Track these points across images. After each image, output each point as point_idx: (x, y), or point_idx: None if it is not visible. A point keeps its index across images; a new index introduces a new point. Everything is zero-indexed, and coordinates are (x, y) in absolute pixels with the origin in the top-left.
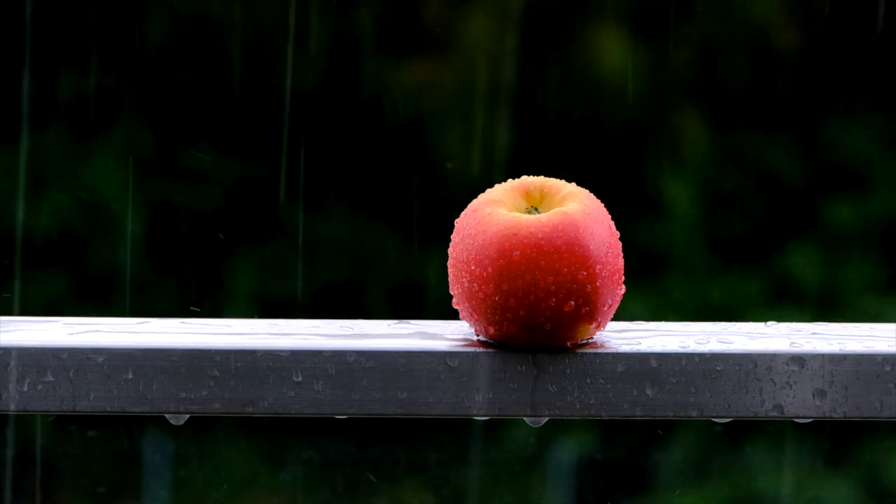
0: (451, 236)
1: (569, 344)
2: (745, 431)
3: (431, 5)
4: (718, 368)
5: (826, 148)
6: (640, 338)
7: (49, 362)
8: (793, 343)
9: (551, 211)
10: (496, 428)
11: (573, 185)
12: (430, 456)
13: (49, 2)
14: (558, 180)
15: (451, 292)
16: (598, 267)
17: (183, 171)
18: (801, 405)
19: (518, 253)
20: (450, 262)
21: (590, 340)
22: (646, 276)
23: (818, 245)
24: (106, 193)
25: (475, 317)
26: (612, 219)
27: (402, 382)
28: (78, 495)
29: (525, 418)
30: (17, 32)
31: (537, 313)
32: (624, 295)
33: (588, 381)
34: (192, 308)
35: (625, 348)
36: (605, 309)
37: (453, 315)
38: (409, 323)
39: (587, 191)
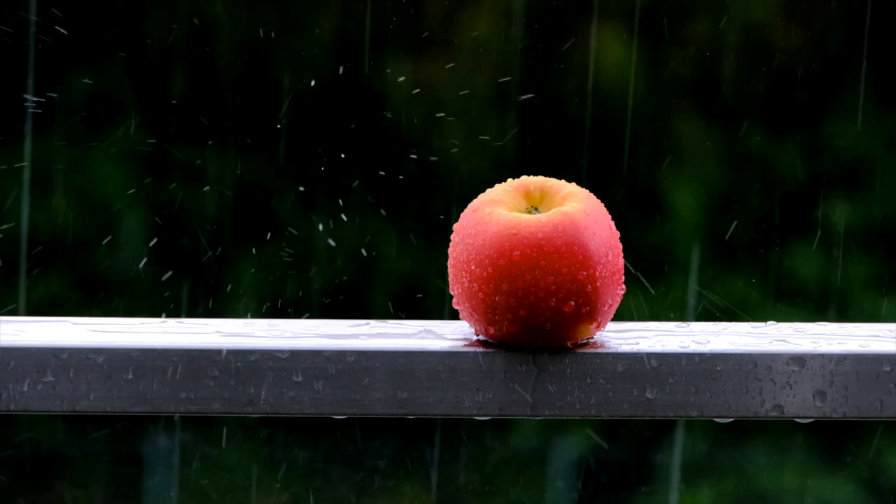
0: (452, 236)
1: (569, 344)
2: (745, 431)
3: (433, 5)
4: (718, 368)
5: (826, 148)
6: (640, 338)
7: (49, 362)
8: (793, 343)
9: (551, 211)
10: (496, 427)
11: (573, 185)
12: (431, 456)
13: (50, 2)
14: (558, 180)
15: (451, 292)
16: (598, 267)
17: (184, 171)
18: (801, 405)
19: (518, 253)
20: (450, 262)
21: (590, 340)
22: (646, 276)
23: (818, 245)
24: (107, 194)
25: (475, 317)
26: (613, 219)
27: (402, 382)
28: (78, 495)
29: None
30: (18, 33)
31: (537, 313)
32: (624, 295)
33: (588, 381)
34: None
35: (625, 348)
36: (605, 309)
37: (453, 315)
38: (409, 323)
39: (587, 191)
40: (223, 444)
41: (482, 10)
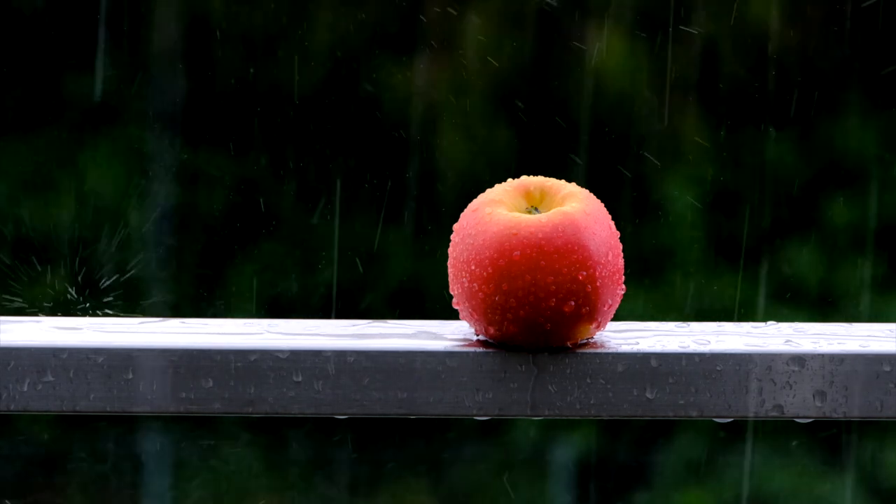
0: (451, 236)
1: (569, 344)
2: (745, 431)
3: (432, 5)
4: (718, 368)
5: (826, 148)
6: (640, 338)
7: (49, 362)
8: (793, 343)
9: (551, 211)
10: (496, 427)
11: (573, 184)
12: (431, 456)
13: (51, 1)
14: (558, 180)
15: (451, 292)
16: (598, 267)
17: (185, 171)
18: (801, 405)
19: (518, 253)
20: (450, 262)
21: (590, 340)
22: (646, 276)
23: (818, 245)
24: (108, 193)
25: (475, 317)
26: (613, 219)
27: (402, 382)
28: (78, 495)
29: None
30: (19, 32)
31: (537, 313)
32: (624, 295)
33: (588, 381)
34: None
35: (625, 348)
36: (605, 309)
37: (453, 315)
38: (408, 323)
39: (587, 191)
40: (222, 444)
41: (481, 11)
